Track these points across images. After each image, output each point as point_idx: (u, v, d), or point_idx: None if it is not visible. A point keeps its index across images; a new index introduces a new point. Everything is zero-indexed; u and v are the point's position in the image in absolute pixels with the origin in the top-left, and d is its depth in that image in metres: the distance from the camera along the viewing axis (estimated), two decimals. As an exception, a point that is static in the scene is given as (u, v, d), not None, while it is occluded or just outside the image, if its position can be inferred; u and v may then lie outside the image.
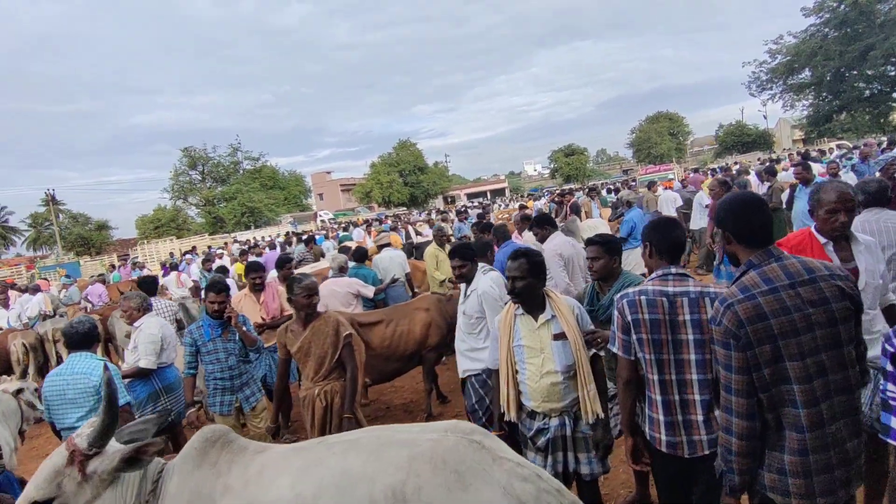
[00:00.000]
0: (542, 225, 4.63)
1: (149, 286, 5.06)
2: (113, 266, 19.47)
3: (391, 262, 6.76)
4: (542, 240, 4.47)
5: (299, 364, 3.43)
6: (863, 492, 2.62)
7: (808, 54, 34.08)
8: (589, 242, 3.00)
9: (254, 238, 27.01)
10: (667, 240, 2.27)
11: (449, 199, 53.91)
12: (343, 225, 24.64)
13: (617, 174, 57.22)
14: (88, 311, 9.94)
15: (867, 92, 34.64)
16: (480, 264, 3.75)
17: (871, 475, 2.52)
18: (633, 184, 21.69)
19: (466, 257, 3.52)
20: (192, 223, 44.85)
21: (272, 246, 12.58)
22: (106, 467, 1.89)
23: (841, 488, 1.75)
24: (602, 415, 2.58)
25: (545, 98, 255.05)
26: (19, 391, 4.06)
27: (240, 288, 6.89)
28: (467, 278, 3.53)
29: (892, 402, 1.74)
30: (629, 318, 2.19)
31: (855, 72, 33.87)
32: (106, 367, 2.24)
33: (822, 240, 2.63)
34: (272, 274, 6.65)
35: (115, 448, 1.95)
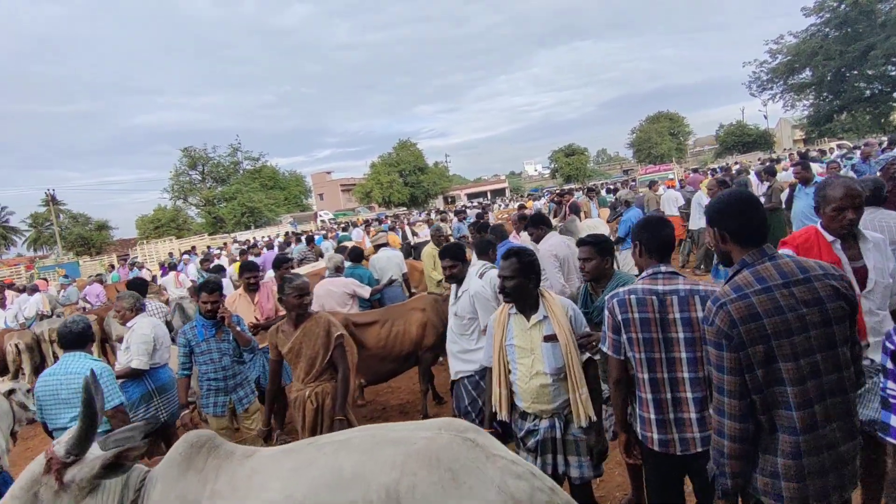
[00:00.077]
0: (538, 225, 4.56)
1: (139, 288, 5.02)
2: (112, 266, 19.45)
3: (388, 262, 6.73)
4: (537, 240, 4.41)
5: (290, 365, 3.39)
6: (860, 494, 2.59)
7: (809, 54, 34.03)
8: (580, 243, 2.96)
9: (253, 238, 27.00)
10: (656, 238, 2.27)
11: (449, 200, 53.90)
12: (342, 225, 24.62)
13: (617, 174, 57.20)
14: (86, 311, 9.93)
15: (868, 92, 34.57)
16: (482, 262, 3.72)
17: (869, 477, 2.49)
18: (633, 184, 21.63)
19: (457, 257, 3.48)
20: (193, 223, 44.85)
21: (269, 246, 12.55)
22: (85, 475, 1.84)
23: (835, 492, 1.72)
24: (594, 418, 2.54)
25: (546, 98, 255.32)
26: (10, 392, 4.03)
27: (237, 288, 6.87)
28: (458, 279, 3.49)
29: (891, 400, 1.71)
30: (619, 317, 2.19)
31: (855, 71, 33.81)
32: (93, 374, 2.19)
33: (830, 238, 2.54)
34: (269, 274, 6.63)
35: (95, 455, 1.90)
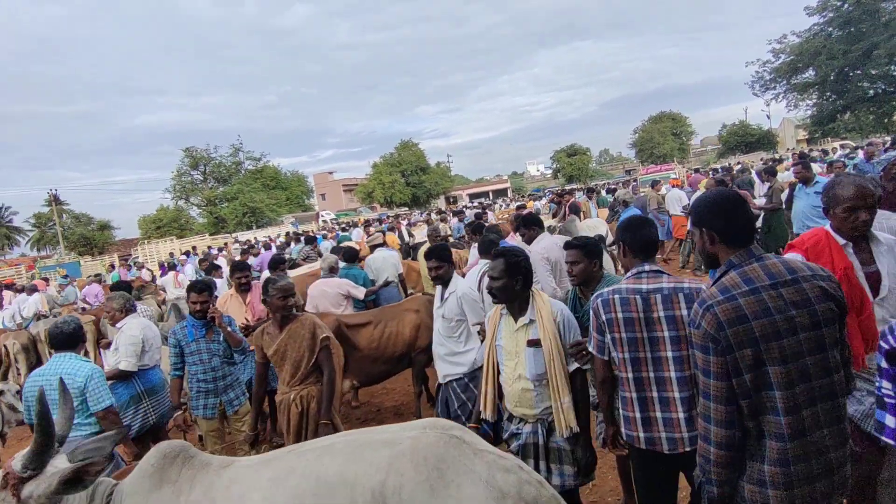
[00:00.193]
0: (529, 226, 4.46)
1: (121, 289, 4.98)
2: (112, 266, 19.47)
3: (384, 263, 6.69)
4: (528, 241, 4.30)
5: (276, 367, 3.35)
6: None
7: (812, 53, 33.84)
8: (567, 246, 2.91)
9: (255, 237, 27.00)
10: (638, 238, 2.27)
11: (451, 200, 53.87)
12: (342, 225, 24.59)
13: (620, 174, 57.01)
14: (86, 311, 9.90)
15: (871, 91, 34.35)
16: (485, 261, 3.67)
17: (860, 481, 2.43)
18: (635, 184, 21.53)
19: (443, 258, 3.43)
20: (195, 223, 44.92)
21: (267, 246, 12.52)
22: (42, 491, 1.76)
23: (823, 499, 1.67)
24: (576, 429, 2.48)
25: (548, 98, 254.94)
26: (-1, 393, 4.00)
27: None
28: (444, 280, 3.44)
29: (887, 400, 1.66)
30: (603, 317, 2.19)
31: (859, 71, 33.60)
32: (62, 383, 2.13)
33: (841, 240, 2.37)
34: (266, 275, 6.59)
35: (58, 468, 1.82)
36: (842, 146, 23.80)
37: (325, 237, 15.63)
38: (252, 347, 4.46)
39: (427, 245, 6.87)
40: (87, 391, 3.34)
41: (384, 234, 9.15)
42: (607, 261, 5.44)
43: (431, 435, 1.78)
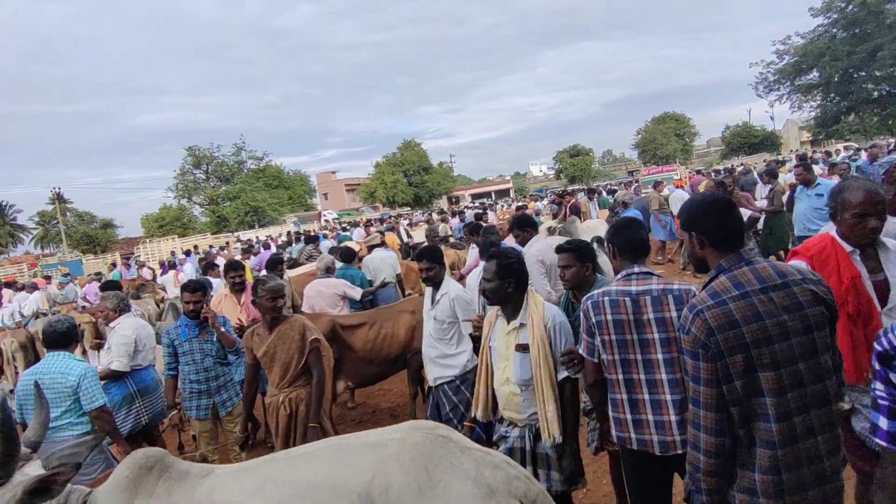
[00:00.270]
0: (523, 227, 4.37)
1: (111, 289, 4.95)
2: (114, 265, 19.50)
3: (381, 264, 6.66)
4: (522, 243, 4.21)
5: (265, 369, 3.32)
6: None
7: (816, 55, 33.74)
8: (559, 250, 2.86)
9: (256, 237, 27.01)
10: (627, 240, 2.27)
11: (453, 200, 53.84)
12: (343, 225, 24.59)
13: (622, 175, 56.87)
14: (85, 309, 9.90)
15: (875, 93, 34.22)
16: (483, 263, 3.63)
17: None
18: (637, 184, 21.47)
19: (434, 260, 3.41)
20: (197, 222, 45.02)
21: (266, 246, 12.50)
22: (7, 500, 1.71)
23: None
24: (558, 439, 2.44)
25: (551, 98, 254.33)
26: (-10, 392, 3.98)
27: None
28: (435, 282, 3.42)
29: (880, 402, 1.63)
30: (593, 319, 2.17)
31: (863, 73, 33.50)
32: (37, 387, 2.08)
33: (848, 247, 2.27)
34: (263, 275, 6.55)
35: (23, 478, 1.76)
36: (845, 148, 23.65)
37: (325, 237, 15.61)
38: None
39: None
40: (80, 390, 3.33)
41: (383, 235, 9.09)
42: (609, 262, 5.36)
43: (417, 436, 1.77)
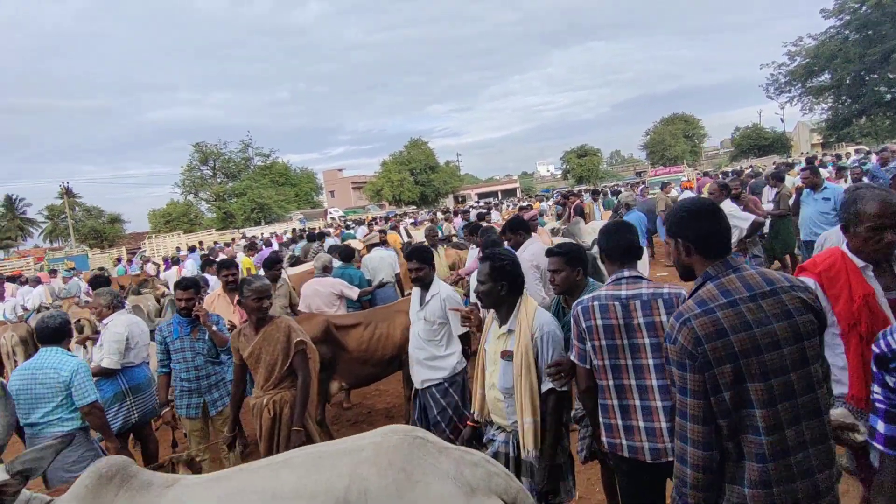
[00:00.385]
0: (516, 230, 4.25)
1: (101, 285, 4.94)
2: (119, 260, 19.60)
3: (381, 263, 6.61)
4: (515, 246, 4.10)
5: (251, 370, 3.28)
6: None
7: (828, 57, 33.37)
8: (549, 253, 2.80)
9: (261, 233, 27.06)
10: (617, 244, 2.24)
11: (460, 199, 53.75)
12: (346, 223, 24.59)
13: (630, 176, 56.59)
14: (88, 304, 9.92)
15: (888, 96, 33.81)
16: None
17: None
18: (644, 186, 21.29)
19: (424, 260, 3.36)
20: (204, 218, 45.20)
21: (268, 243, 12.49)
22: None
23: None
24: (532, 453, 2.37)
25: (561, 98, 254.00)
26: (-19, 388, 3.97)
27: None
28: (424, 282, 3.37)
29: (877, 405, 1.56)
30: (583, 325, 2.14)
31: (875, 75, 33.11)
32: (2, 387, 2.02)
33: (860, 263, 2.11)
34: (261, 273, 6.52)
35: None
36: (856, 151, 23.38)
37: (328, 234, 15.60)
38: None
39: (423, 245, 6.79)
40: (72, 385, 3.32)
41: (384, 234, 9.05)
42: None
43: (394, 438, 1.76)
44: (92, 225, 43.19)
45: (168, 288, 10.71)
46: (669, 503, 1.98)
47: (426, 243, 6.85)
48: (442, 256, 7.05)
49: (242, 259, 10.67)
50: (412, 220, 20.83)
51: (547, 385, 2.38)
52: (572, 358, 2.24)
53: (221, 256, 11.11)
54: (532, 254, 3.92)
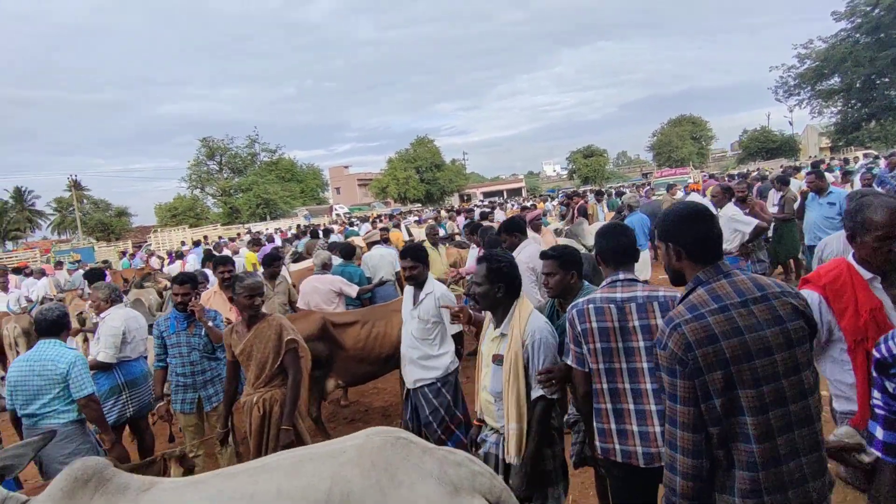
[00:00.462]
0: (511, 232, 4.18)
1: (96, 278, 4.94)
2: (124, 253, 19.70)
3: (381, 261, 6.58)
4: (511, 248, 4.04)
5: (243, 367, 3.28)
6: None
7: (838, 60, 33.01)
8: (543, 256, 2.77)
9: (266, 229, 27.12)
10: (611, 247, 2.23)
11: (465, 198, 53.72)
12: (350, 220, 24.62)
13: (636, 177, 56.36)
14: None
15: (899, 101, 33.46)
16: None
17: None
18: (649, 187, 21.19)
19: (418, 259, 3.34)
20: (210, 213, 45.40)
21: (270, 239, 12.51)
22: None
23: None
24: (513, 460, 2.33)
25: (568, 98, 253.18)
26: (-20, 379, 3.99)
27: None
28: (418, 281, 3.35)
29: (877, 411, 1.53)
30: (578, 328, 2.11)
31: (886, 79, 32.76)
32: None
33: (867, 274, 2.04)
34: (260, 270, 6.53)
35: None
36: (864, 155, 23.19)
37: (332, 231, 15.60)
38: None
39: (424, 243, 6.76)
40: (69, 378, 3.34)
41: (387, 232, 9.02)
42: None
43: (377, 440, 1.75)
44: (99, 218, 43.48)
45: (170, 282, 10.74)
46: None
47: (427, 241, 6.83)
48: (443, 255, 7.03)
49: (246, 254, 10.69)
50: (416, 219, 20.80)
51: (537, 392, 2.34)
52: (569, 362, 2.21)
53: (226, 251, 11.11)
54: (528, 256, 3.88)
